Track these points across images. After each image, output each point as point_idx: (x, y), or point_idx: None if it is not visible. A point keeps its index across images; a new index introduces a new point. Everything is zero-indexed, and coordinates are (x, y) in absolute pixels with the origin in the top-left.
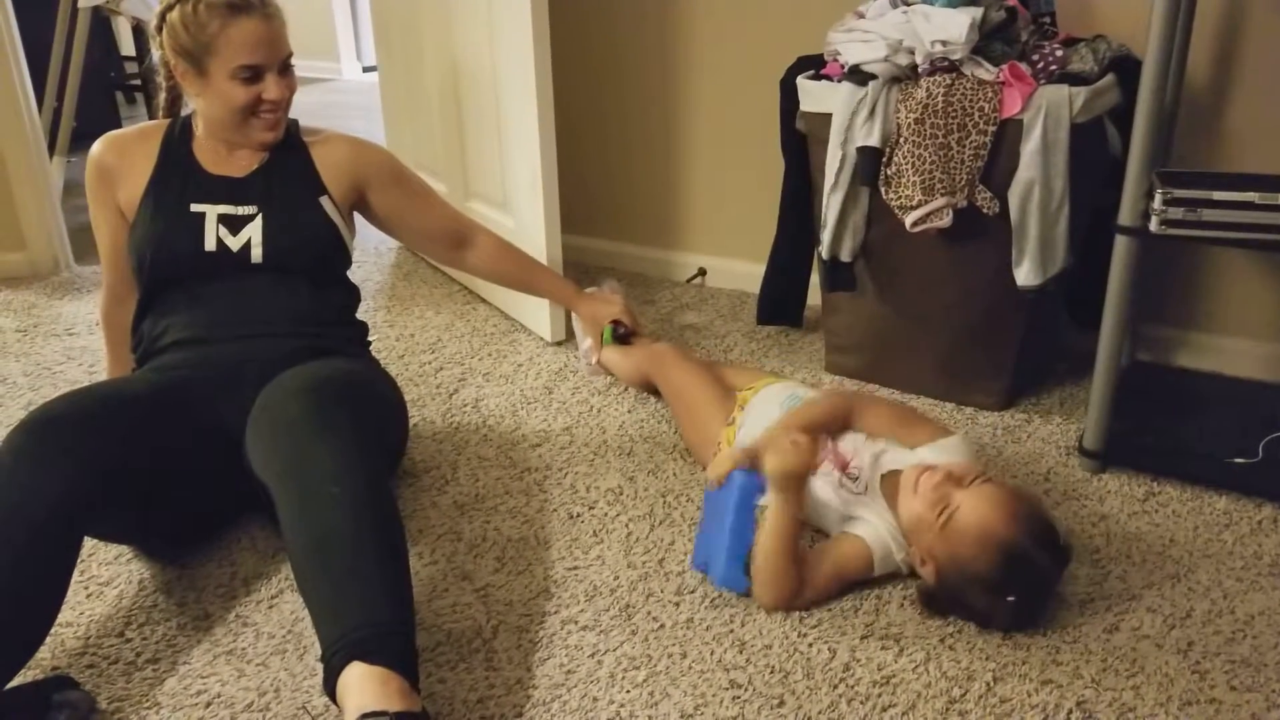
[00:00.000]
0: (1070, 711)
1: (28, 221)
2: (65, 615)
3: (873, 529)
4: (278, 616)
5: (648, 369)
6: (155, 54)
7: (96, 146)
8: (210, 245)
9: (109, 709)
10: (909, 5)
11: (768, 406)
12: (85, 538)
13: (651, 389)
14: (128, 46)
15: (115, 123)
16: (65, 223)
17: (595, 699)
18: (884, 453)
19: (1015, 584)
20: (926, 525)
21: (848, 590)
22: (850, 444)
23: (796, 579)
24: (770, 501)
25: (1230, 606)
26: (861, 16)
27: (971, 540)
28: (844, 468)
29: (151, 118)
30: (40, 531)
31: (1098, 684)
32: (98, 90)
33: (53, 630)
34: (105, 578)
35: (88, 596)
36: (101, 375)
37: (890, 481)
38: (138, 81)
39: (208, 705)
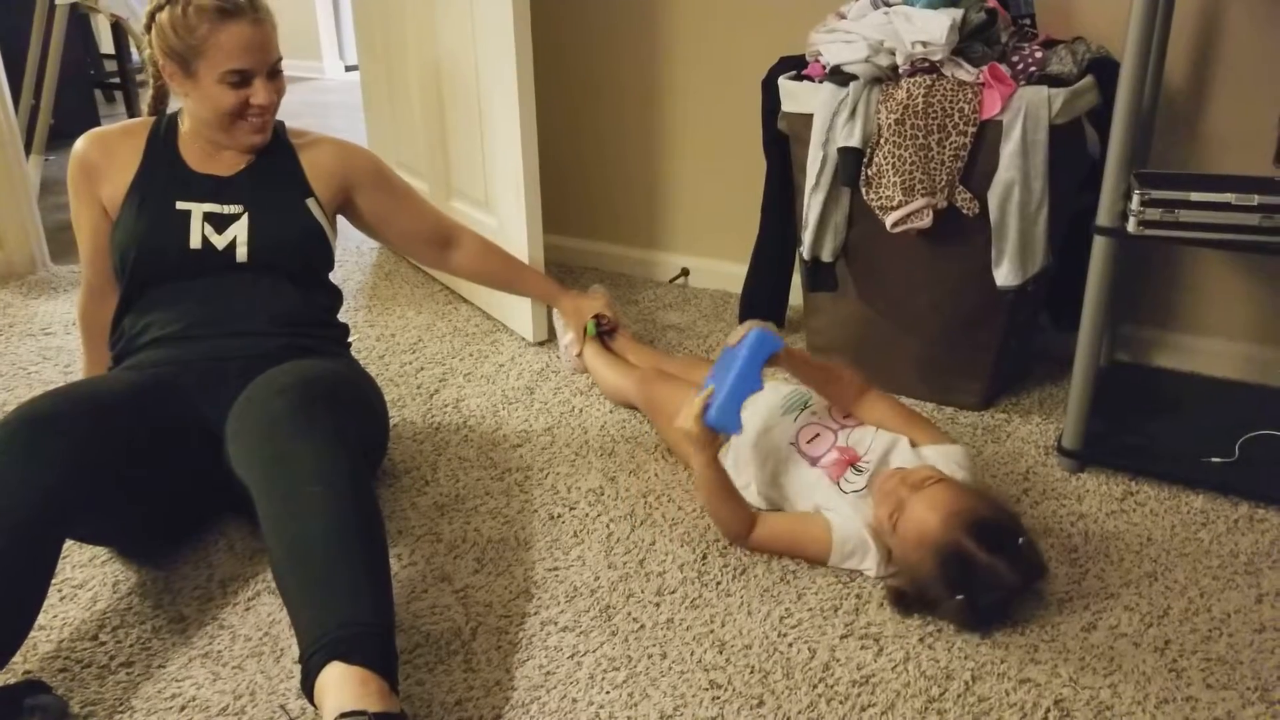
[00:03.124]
0: (1048, 710)
1: (4, 220)
2: (38, 618)
3: (846, 522)
4: (254, 619)
5: (634, 397)
6: (144, 52)
7: (80, 142)
8: (195, 243)
9: (82, 713)
10: (890, 6)
11: (770, 403)
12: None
13: (632, 406)
14: (108, 44)
15: (94, 121)
16: (42, 222)
17: (574, 700)
18: (892, 451)
19: (956, 584)
20: (885, 528)
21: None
22: (865, 439)
23: (740, 519)
24: (692, 460)
25: (1207, 605)
26: (843, 17)
27: (913, 543)
28: (853, 461)
29: (131, 116)
30: (21, 534)
31: (1075, 682)
32: (76, 88)
33: None
34: (79, 580)
35: (61, 599)
36: (78, 375)
37: None
38: (117, 79)
39: (182, 709)
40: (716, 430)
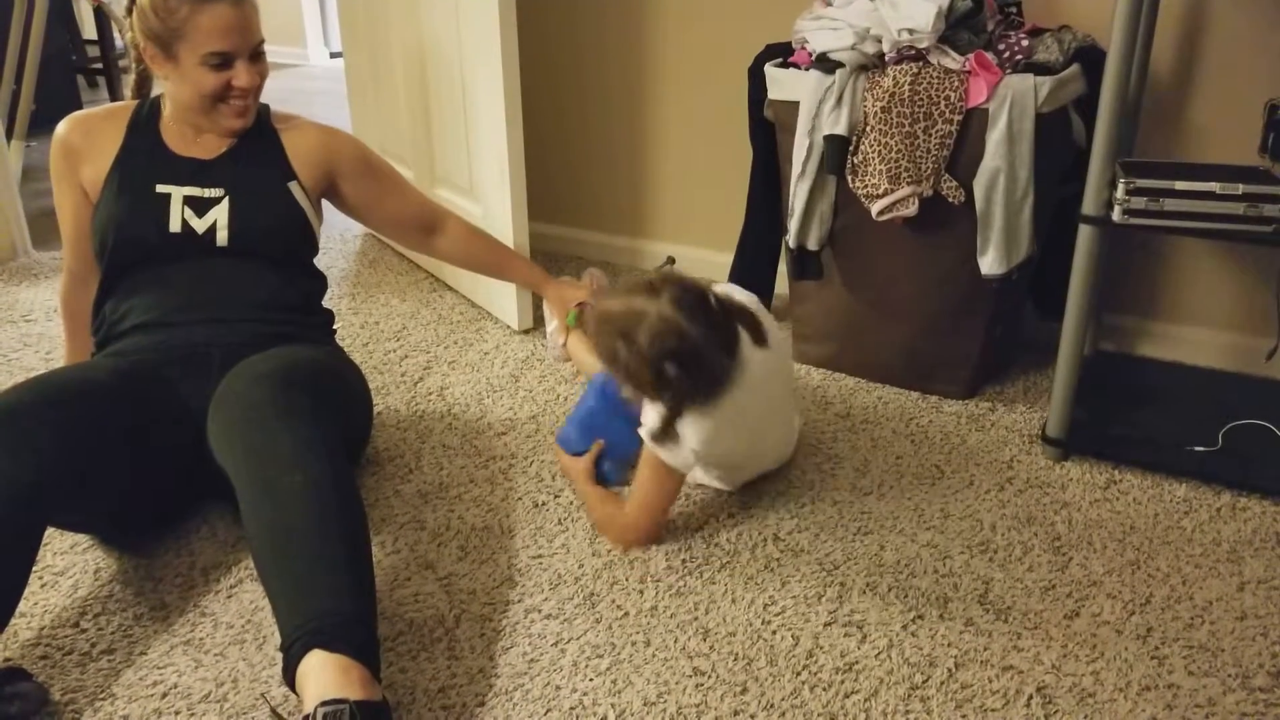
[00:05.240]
0: (1030, 697)
1: None
2: (19, 606)
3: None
4: (236, 606)
5: None
6: (125, 35)
7: (62, 125)
8: (175, 227)
9: (63, 700)
10: None
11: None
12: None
13: None
14: (90, 30)
15: (76, 107)
16: (24, 208)
17: (558, 687)
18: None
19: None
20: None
21: (675, 496)
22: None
23: (619, 512)
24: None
25: (1189, 592)
26: (829, 4)
27: (597, 360)
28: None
29: (114, 101)
30: (3, 523)
31: (1058, 669)
32: (59, 74)
33: None
34: (60, 567)
35: (42, 586)
36: (59, 362)
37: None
38: (100, 65)
39: (164, 696)
40: (610, 481)
